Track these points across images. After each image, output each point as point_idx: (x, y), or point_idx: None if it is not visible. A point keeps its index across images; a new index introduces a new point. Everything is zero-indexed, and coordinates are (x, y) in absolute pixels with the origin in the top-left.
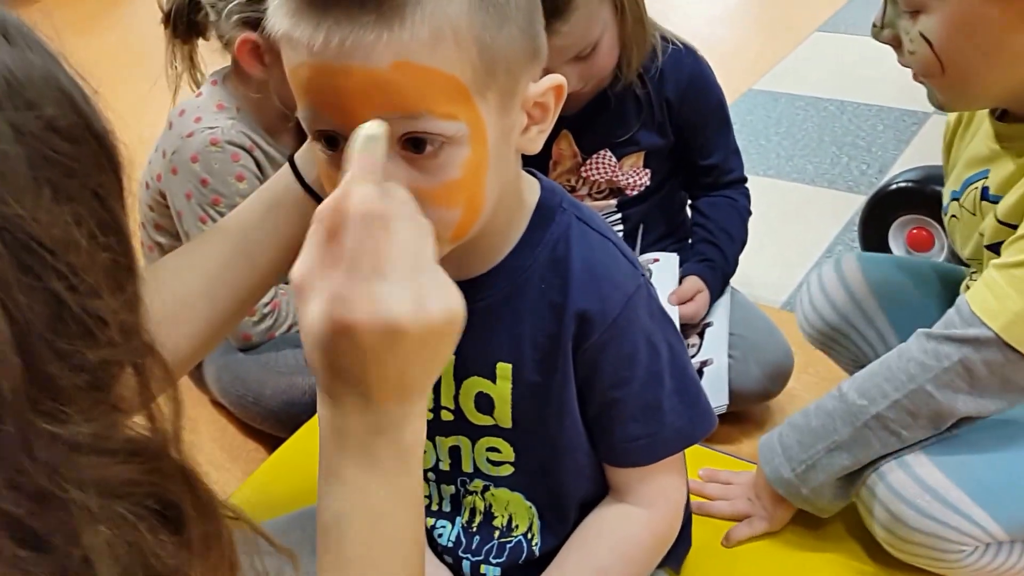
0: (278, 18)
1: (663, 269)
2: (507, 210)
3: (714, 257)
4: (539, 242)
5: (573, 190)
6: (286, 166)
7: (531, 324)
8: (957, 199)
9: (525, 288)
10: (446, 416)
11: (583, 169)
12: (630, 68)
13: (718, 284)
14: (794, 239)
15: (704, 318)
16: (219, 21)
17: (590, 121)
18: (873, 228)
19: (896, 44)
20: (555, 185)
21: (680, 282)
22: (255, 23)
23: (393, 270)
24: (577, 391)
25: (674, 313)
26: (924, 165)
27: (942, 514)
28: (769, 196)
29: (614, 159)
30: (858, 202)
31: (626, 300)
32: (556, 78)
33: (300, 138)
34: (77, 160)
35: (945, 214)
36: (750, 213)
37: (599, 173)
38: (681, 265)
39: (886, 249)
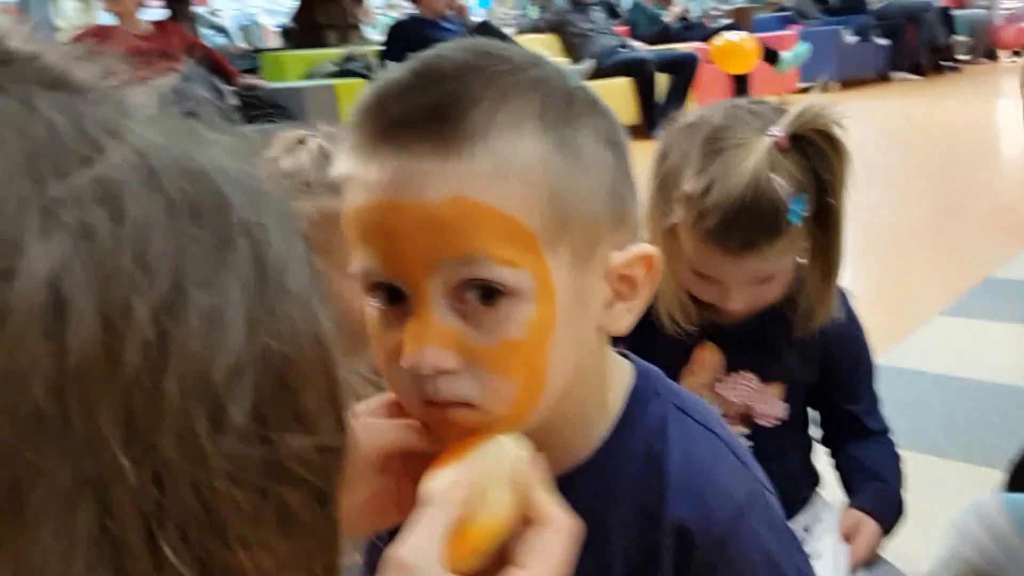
0: (342, 160)
1: (827, 525)
2: (588, 396)
3: (876, 489)
4: (631, 437)
5: None
6: None
7: (621, 540)
8: None
9: (614, 495)
10: None
11: (719, 386)
12: (810, 325)
13: (887, 513)
14: (932, 513)
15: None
16: None
17: (741, 337)
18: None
19: None
20: (650, 367)
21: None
22: None
23: None
24: None
25: (842, 553)
26: None
27: None
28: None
29: (757, 383)
30: (994, 477)
31: (736, 509)
32: (645, 247)
33: None
34: (324, 475)
35: None
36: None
37: (737, 395)
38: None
39: None
